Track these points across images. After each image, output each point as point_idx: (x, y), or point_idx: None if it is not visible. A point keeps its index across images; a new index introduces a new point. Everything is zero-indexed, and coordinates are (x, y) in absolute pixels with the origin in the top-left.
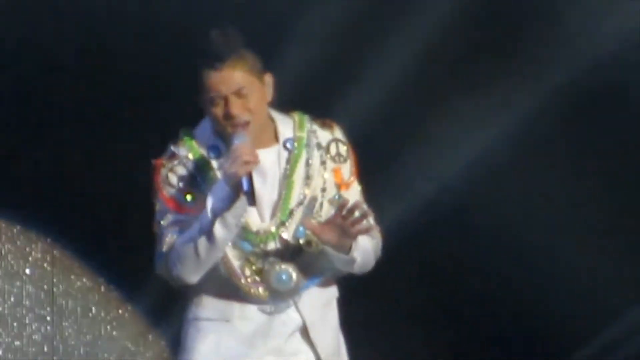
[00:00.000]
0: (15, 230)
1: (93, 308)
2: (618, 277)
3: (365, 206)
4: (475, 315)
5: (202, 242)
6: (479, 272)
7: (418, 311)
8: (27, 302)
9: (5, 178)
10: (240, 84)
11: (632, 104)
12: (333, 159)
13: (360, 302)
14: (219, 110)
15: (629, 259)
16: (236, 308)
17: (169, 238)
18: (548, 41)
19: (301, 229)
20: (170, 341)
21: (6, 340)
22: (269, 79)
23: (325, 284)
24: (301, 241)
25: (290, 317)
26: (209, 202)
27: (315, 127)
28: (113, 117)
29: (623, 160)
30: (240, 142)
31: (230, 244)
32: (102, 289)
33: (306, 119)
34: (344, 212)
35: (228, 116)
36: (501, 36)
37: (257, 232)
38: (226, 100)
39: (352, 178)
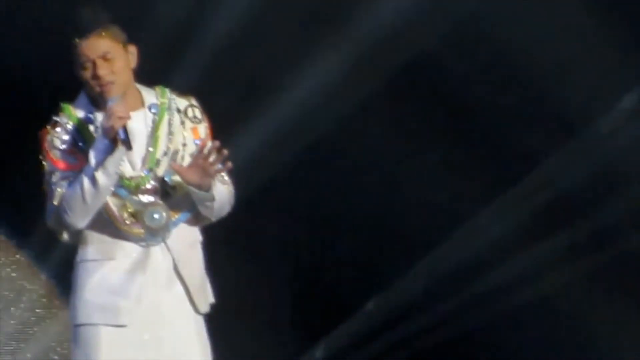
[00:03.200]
0: None
1: None
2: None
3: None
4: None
5: (88, 189)
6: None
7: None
8: None
9: None
10: (105, 49)
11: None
12: (191, 120)
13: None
14: (88, 73)
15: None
16: (118, 246)
17: (58, 192)
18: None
19: (168, 174)
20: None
21: None
22: (132, 49)
23: (190, 227)
24: (168, 182)
25: (163, 254)
26: (91, 155)
27: (174, 96)
28: None
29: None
30: (113, 103)
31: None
32: (2, 238)
33: (167, 90)
34: (204, 152)
35: (95, 76)
36: None
37: (131, 179)
38: (94, 63)
39: (208, 136)
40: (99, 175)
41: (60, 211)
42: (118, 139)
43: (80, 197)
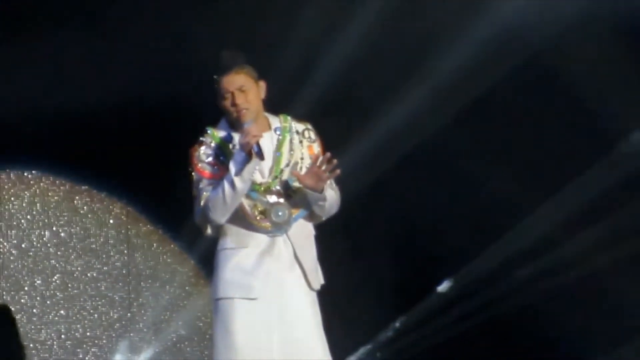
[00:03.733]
0: (102, 195)
1: (154, 244)
2: None
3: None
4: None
5: (228, 192)
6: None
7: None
8: (111, 241)
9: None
10: (241, 83)
11: None
12: (307, 140)
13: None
14: (228, 102)
15: None
16: (250, 237)
17: (204, 195)
18: None
19: (289, 180)
20: (201, 264)
21: (97, 266)
22: (262, 83)
23: (306, 223)
24: (290, 186)
25: (285, 244)
26: (231, 165)
27: (294, 121)
28: None
29: None
30: (248, 125)
31: (239, 191)
32: (160, 232)
33: (288, 117)
34: (318, 162)
35: (234, 104)
36: None
37: (261, 184)
38: (232, 94)
39: (320, 152)
40: (237, 181)
41: (205, 210)
42: (253, 153)
43: (222, 198)
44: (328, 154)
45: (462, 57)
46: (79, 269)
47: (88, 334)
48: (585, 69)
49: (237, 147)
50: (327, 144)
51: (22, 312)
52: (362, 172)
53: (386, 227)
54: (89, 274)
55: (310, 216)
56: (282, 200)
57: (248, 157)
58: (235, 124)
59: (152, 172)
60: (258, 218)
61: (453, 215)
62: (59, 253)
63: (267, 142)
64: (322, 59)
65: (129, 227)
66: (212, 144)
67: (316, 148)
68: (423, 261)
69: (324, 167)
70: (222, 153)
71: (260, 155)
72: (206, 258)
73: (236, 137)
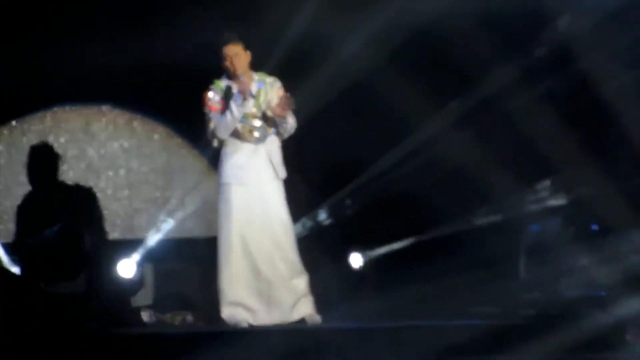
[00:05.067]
0: (140, 118)
1: (183, 151)
2: None
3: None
4: None
5: (230, 118)
6: None
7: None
8: (157, 149)
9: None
10: (236, 51)
11: None
12: (275, 86)
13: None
14: (228, 63)
15: None
16: (242, 146)
17: (213, 121)
18: None
19: (266, 111)
20: (212, 163)
21: (149, 164)
22: (248, 52)
23: (275, 137)
24: (266, 113)
25: (264, 149)
26: (232, 102)
27: (266, 76)
28: None
29: None
30: (242, 78)
31: (237, 116)
32: (189, 145)
33: (264, 73)
34: (282, 100)
35: (232, 64)
36: None
37: (248, 114)
38: (231, 58)
39: (285, 94)
40: (236, 111)
41: (214, 130)
42: (246, 95)
43: (225, 122)
44: (288, 94)
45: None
46: (137, 166)
47: (143, 206)
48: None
49: (235, 91)
50: (287, 88)
51: (100, 192)
52: (306, 109)
53: (319, 147)
54: (143, 168)
55: (278, 133)
56: (261, 123)
57: (242, 97)
58: (232, 77)
59: (184, 110)
60: (247, 134)
61: (366, 140)
62: (126, 155)
63: (252, 88)
64: (283, 33)
65: (167, 142)
66: (218, 90)
67: (281, 91)
68: (343, 166)
69: (285, 103)
70: (224, 95)
71: (251, 96)
72: (214, 158)
73: (233, 85)
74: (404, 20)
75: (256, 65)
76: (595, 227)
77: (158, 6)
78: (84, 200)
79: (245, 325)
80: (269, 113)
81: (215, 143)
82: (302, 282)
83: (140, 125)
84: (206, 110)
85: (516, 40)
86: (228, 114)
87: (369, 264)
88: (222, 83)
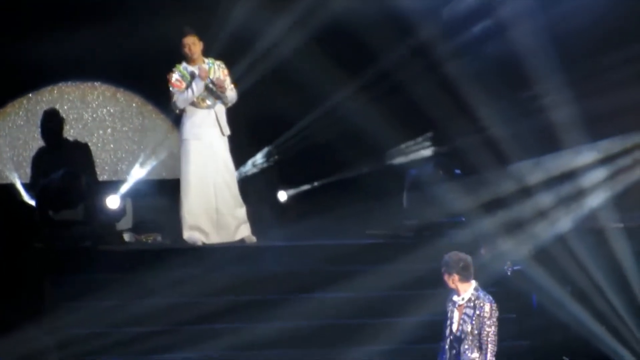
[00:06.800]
0: (130, 94)
1: (153, 115)
2: None
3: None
4: None
5: (189, 94)
6: None
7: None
8: (133, 114)
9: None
10: (193, 40)
11: None
12: (221, 67)
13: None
14: (187, 49)
15: None
16: (197, 111)
17: (175, 96)
18: None
19: (214, 86)
20: (175, 122)
21: (129, 125)
22: (202, 42)
23: (222, 105)
24: (213, 89)
25: (215, 113)
26: (194, 83)
27: (215, 60)
28: None
29: None
30: (201, 66)
31: (196, 94)
32: (157, 110)
33: (212, 58)
34: (224, 77)
35: (190, 51)
36: None
37: (204, 89)
38: (189, 46)
39: (228, 74)
40: (195, 90)
41: (176, 102)
42: (205, 79)
43: (186, 96)
44: (228, 75)
45: None
46: (120, 126)
47: (124, 155)
48: None
49: (197, 74)
50: (229, 67)
51: (93, 146)
52: (244, 83)
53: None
54: (124, 128)
55: (223, 102)
56: (212, 96)
57: (202, 81)
58: (189, 61)
59: (155, 84)
60: (200, 102)
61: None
62: (112, 118)
63: (206, 70)
64: (226, 27)
65: (142, 108)
66: (178, 72)
67: (226, 72)
68: (273, 124)
69: (227, 80)
70: (183, 76)
71: (207, 79)
72: (177, 120)
73: (190, 67)
74: (319, 13)
75: (207, 51)
76: (458, 171)
77: (140, 7)
78: (81, 152)
79: (200, 243)
80: (214, 88)
81: (177, 110)
82: (242, 211)
83: (122, 96)
84: (170, 87)
85: (405, 28)
86: (189, 91)
87: (291, 199)
88: (182, 66)
